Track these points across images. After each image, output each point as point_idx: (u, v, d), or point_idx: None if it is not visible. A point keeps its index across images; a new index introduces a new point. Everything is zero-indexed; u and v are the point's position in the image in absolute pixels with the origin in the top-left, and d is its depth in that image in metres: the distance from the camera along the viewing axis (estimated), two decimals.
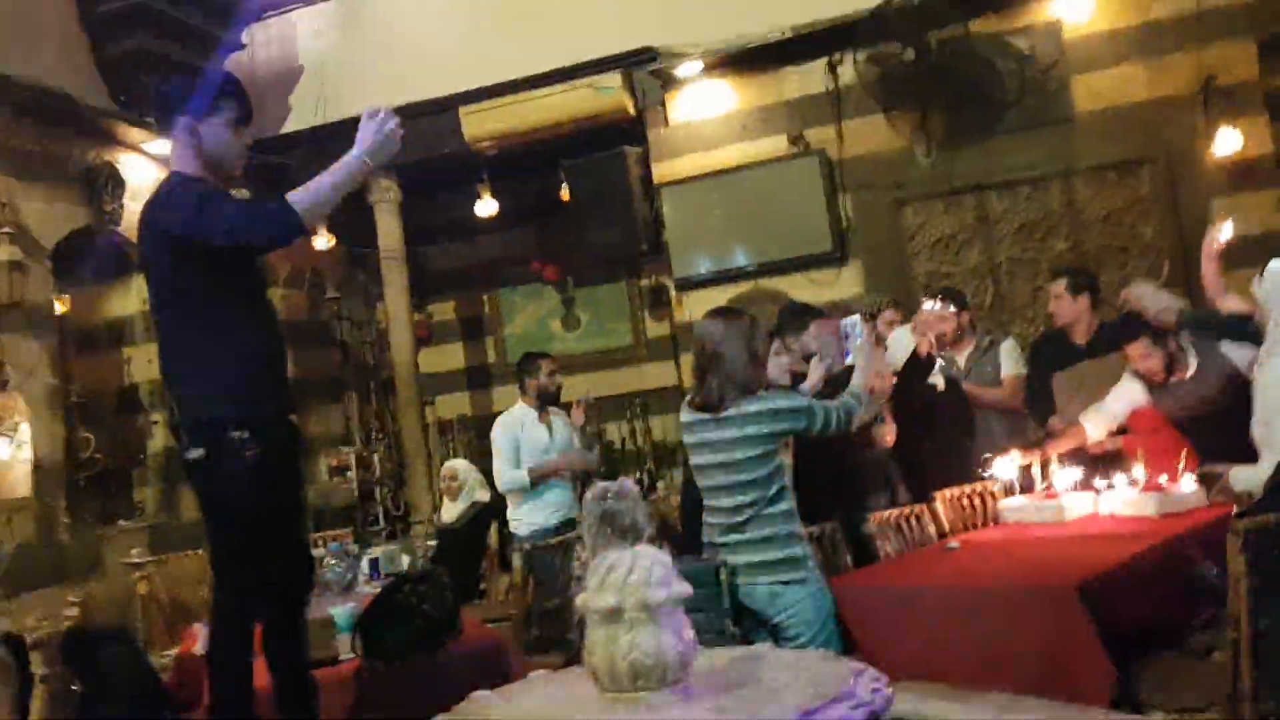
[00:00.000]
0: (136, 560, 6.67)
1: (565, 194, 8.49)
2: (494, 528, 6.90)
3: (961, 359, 5.50)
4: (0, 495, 6.72)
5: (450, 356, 10.86)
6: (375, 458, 9.73)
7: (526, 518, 5.96)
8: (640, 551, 2.36)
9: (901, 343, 5.00)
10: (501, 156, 8.61)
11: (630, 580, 2.25)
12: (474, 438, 10.07)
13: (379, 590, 3.87)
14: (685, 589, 2.32)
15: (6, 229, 6.79)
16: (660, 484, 8.80)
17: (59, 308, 7.72)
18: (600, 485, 2.33)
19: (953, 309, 5.27)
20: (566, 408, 6.24)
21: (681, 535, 4.43)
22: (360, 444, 9.91)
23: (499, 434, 6.01)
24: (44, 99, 7.10)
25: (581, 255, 8.92)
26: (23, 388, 6.95)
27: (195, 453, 3.00)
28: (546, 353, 6.41)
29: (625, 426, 9.62)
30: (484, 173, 9.05)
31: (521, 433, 5.94)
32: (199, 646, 4.02)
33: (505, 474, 5.92)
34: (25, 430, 6.90)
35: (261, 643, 3.12)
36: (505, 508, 6.23)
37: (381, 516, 9.40)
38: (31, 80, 7.01)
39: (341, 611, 3.68)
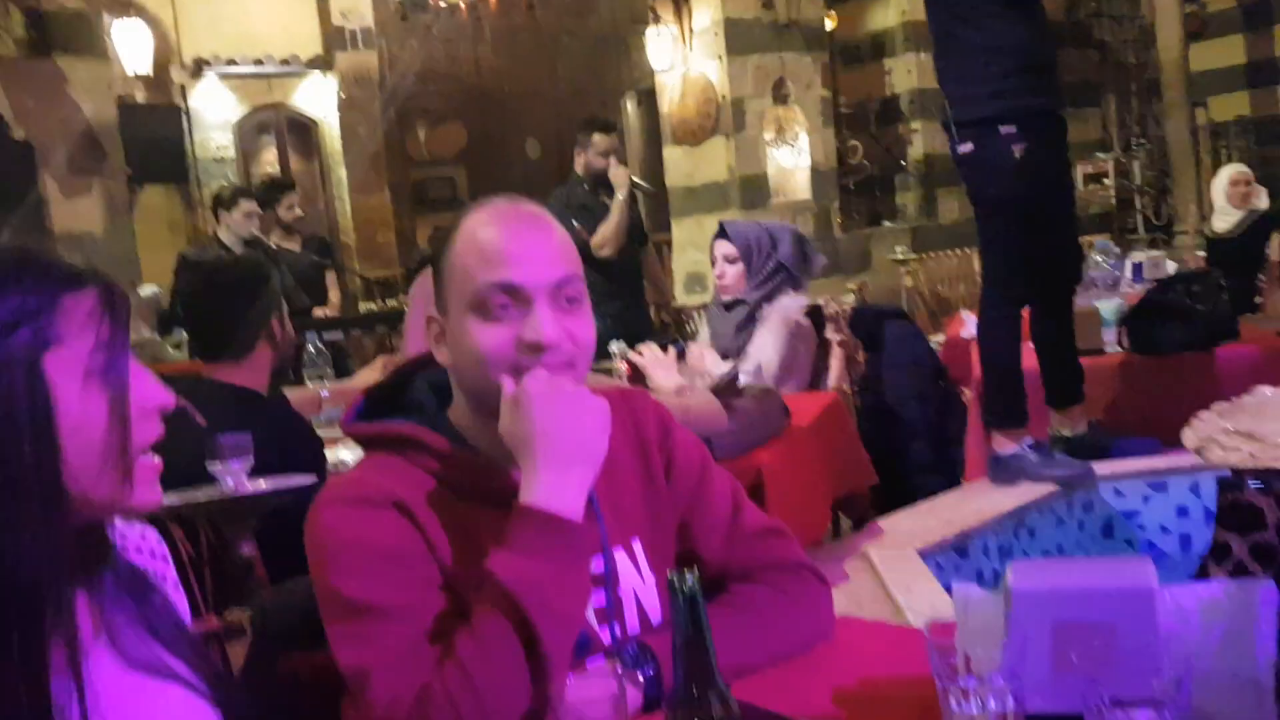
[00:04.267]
0: (900, 257, 7.31)
1: None
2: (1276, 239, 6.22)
3: None
4: (786, 197, 7.71)
5: (1227, 51, 9.61)
6: (1135, 164, 9.20)
7: None
8: None
9: None
10: None
11: None
12: (1252, 143, 8.98)
13: (1147, 289, 3.80)
14: None
15: None
16: None
17: (828, 24, 8.32)
18: None
19: None
20: None
21: None
22: (1119, 150, 9.41)
23: None
24: None
25: None
26: (801, 101, 7.75)
27: (965, 148, 3.14)
28: None
29: None
30: None
31: None
32: (964, 331, 4.37)
33: None
34: (804, 139, 7.74)
35: (1030, 328, 3.29)
36: None
37: (1140, 225, 8.97)
38: None
39: (1107, 305, 3.70)
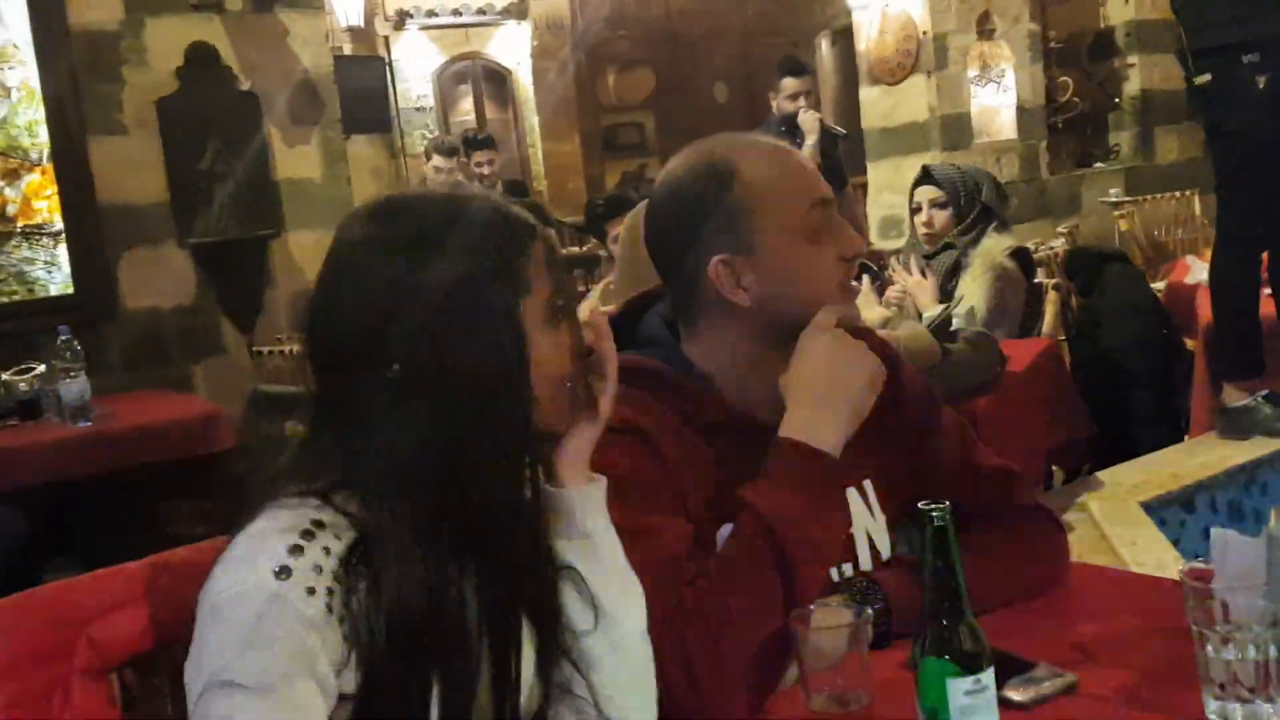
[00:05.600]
0: (1114, 200, 6.91)
1: None
2: None
3: None
4: (990, 136, 7.39)
5: None
6: None
7: None
8: None
9: None
10: None
11: None
12: None
13: None
14: None
15: None
16: None
17: None
18: None
19: None
20: None
21: None
22: None
23: None
24: None
25: None
26: (1008, 35, 7.38)
27: (1202, 78, 2.94)
28: None
29: None
30: None
31: None
32: (1189, 277, 4.11)
33: None
34: (1010, 76, 7.38)
35: (1268, 271, 3.07)
36: None
37: None
38: None
39: None
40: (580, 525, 0.97)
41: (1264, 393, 2.97)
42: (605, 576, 0.98)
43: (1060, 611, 1.21)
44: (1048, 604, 1.22)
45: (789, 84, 4.48)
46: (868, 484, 1.26)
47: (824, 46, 10.02)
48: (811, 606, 1.04)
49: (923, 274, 3.06)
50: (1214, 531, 1.08)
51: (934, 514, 0.90)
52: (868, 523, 1.25)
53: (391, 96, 8.76)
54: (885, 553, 1.25)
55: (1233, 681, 0.86)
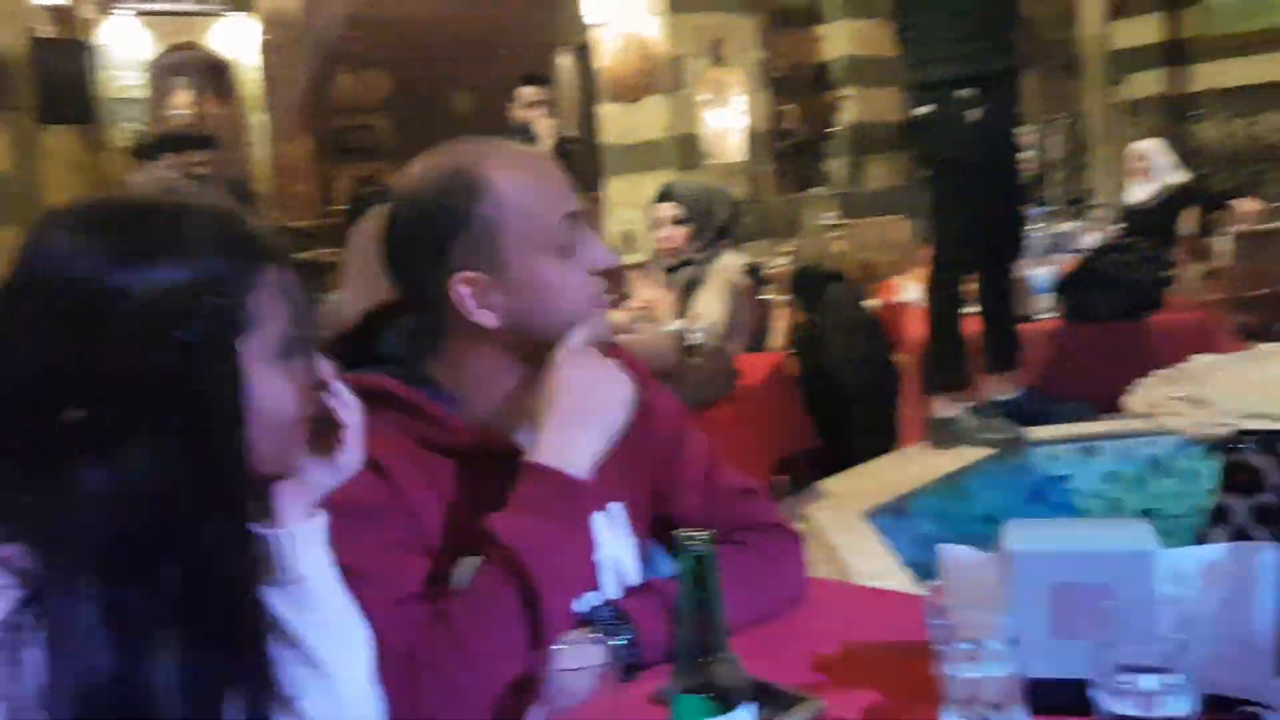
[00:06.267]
0: (831, 222, 7.36)
1: None
2: (1193, 214, 6.40)
3: None
4: (722, 159, 7.68)
5: (1143, 29, 9.81)
6: (1054, 138, 9.37)
7: None
8: None
9: None
10: None
11: None
12: (1167, 119, 9.20)
13: (1083, 257, 3.87)
14: None
15: None
16: None
17: None
18: None
19: None
20: None
21: None
22: (1035, 125, 9.57)
23: None
24: None
25: None
26: (738, 62, 7.70)
27: (921, 110, 3.14)
28: None
29: None
30: None
31: None
32: (898, 297, 4.41)
33: None
34: (740, 102, 7.70)
35: (979, 292, 3.32)
36: (1202, 190, 5.64)
37: (1062, 201, 9.16)
38: None
39: (1041, 273, 3.76)
40: (293, 569, 0.87)
41: (969, 404, 3.21)
42: (322, 627, 0.88)
43: (801, 632, 1.21)
44: (788, 623, 1.23)
45: (526, 92, 4.48)
46: (617, 506, 1.23)
47: (564, 61, 10.10)
48: (557, 643, 1.00)
49: (663, 289, 3.11)
50: (941, 549, 1.12)
51: (694, 543, 0.86)
52: (616, 548, 1.21)
53: (95, 85, 8.05)
54: (633, 579, 1.22)
55: (974, 699, 0.88)
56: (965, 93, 3.03)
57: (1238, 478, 1.51)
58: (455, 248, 1.10)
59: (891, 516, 2.83)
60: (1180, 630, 0.91)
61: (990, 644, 0.90)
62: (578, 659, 0.94)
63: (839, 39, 8.63)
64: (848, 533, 2.51)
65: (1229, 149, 9.48)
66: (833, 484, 3.05)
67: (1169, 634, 0.91)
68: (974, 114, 3.03)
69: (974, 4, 3.06)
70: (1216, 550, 0.97)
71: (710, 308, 3.13)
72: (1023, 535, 1.03)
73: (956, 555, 1.09)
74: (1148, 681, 0.86)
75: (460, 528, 1.07)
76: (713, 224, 3.25)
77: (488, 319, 1.11)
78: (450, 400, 1.14)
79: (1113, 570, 0.98)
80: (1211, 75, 9.50)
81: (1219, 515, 1.51)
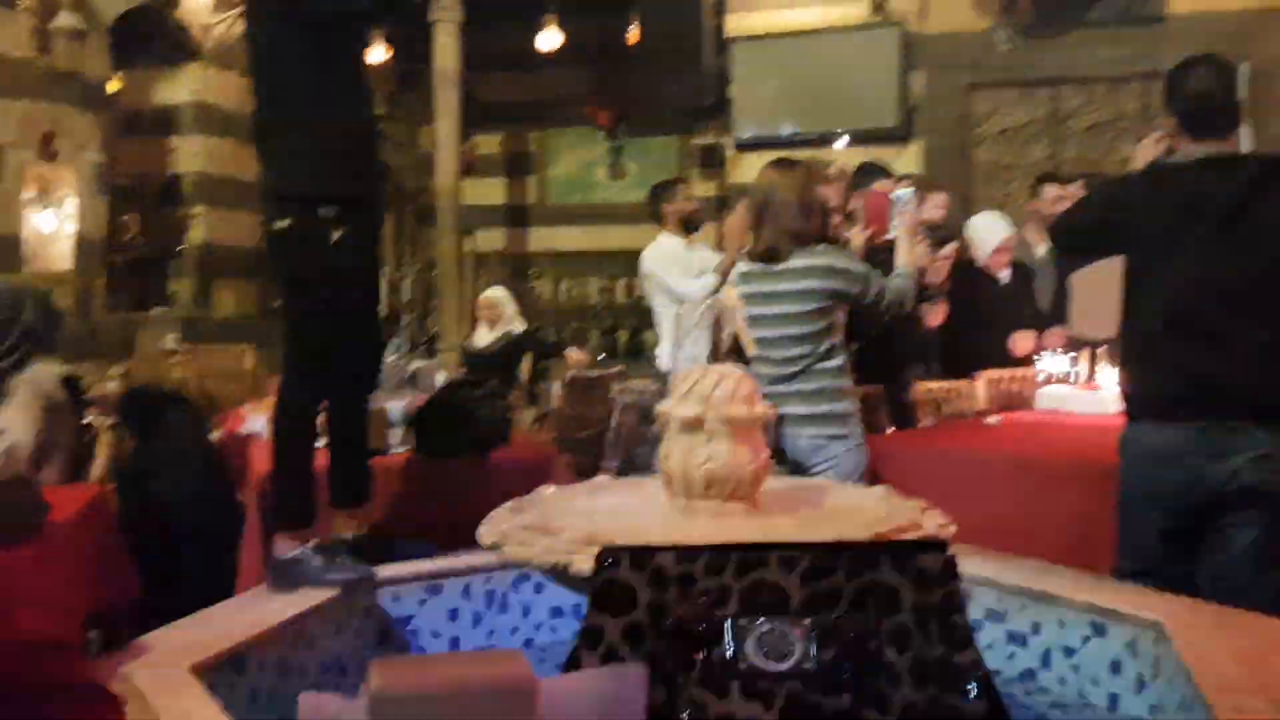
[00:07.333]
0: (171, 347, 6.80)
1: (634, 36, 8.28)
2: (529, 360, 6.98)
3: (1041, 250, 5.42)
4: (44, 266, 6.78)
5: (492, 190, 10.78)
6: (405, 282, 9.77)
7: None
8: (728, 368, 2.39)
9: (985, 226, 5.02)
10: None
11: (715, 394, 2.29)
12: (510, 274, 10.10)
13: (432, 392, 3.94)
14: (768, 411, 2.36)
15: None
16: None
17: (113, 86, 7.63)
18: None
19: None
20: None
21: None
22: (392, 267, 9.93)
23: (656, 261, 5.28)
24: None
25: (641, 103, 8.78)
26: (73, 162, 6.94)
27: (281, 224, 2.98)
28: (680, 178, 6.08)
29: None
30: (553, 2, 8.83)
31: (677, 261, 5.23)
32: (243, 428, 4.12)
33: (684, 286, 5.02)
34: (72, 204, 6.92)
35: (328, 420, 3.17)
36: (537, 340, 6.17)
37: (407, 341, 9.50)
38: None
39: (395, 406, 3.75)
40: None
41: (313, 543, 3.01)
42: None
43: None
44: None
45: None
46: None
47: None
48: None
49: None
50: (303, 698, 0.95)
51: None
52: None
53: None
54: None
55: None
56: (326, 210, 2.93)
57: (610, 597, 1.52)
58: None
59: (226, 671, 2.51)
60: None
61: None
62: None
63: (192, 153, 8.20)
64: (172, 694, 2.15)
65: (558, 305, 10.68)
66: (157, 637, 2.64)
67: None
68: (335, 234, 2.94)
69: (334, 130, 3.01)
70: (588, 675, 0.92)
71: (13, 425, 2.61)
72: (389, 673, 0.89)
73: (319, 704, 0.93)
74: None
75: None
76: (11, 328, 2.75)
77: None
78: None
79: (494, 705, 0.88)
80: (546, 238, 10.73)
81: (590, 637, 1.50)
